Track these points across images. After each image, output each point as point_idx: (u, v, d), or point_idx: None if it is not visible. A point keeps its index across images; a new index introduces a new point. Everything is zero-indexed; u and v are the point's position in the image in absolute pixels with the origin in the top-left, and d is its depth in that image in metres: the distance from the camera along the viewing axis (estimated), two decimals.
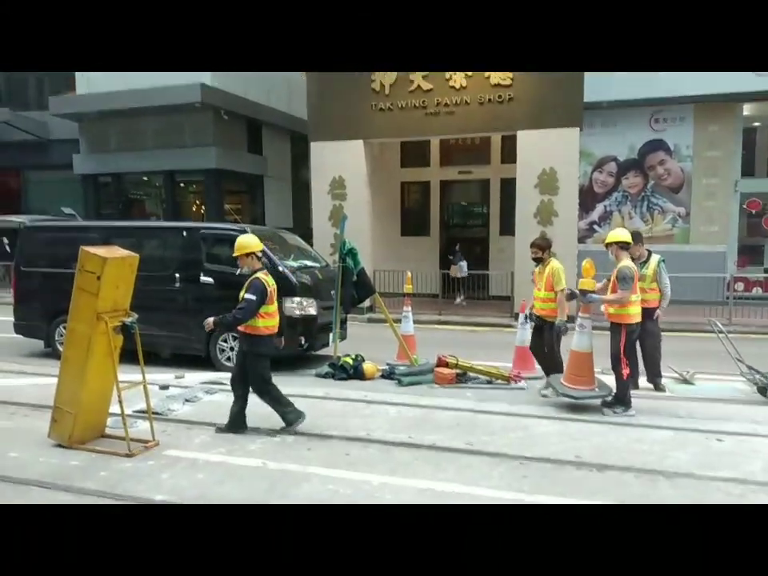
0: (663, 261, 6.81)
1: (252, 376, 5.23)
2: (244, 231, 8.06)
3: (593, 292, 5.90)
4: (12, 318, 9.06)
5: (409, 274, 9.25)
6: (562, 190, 11.93)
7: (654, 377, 6.85)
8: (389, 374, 7.42)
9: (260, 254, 5.31)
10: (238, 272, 5.42)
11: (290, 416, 5.25)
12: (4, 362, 8.26)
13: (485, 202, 15.78)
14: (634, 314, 5.79)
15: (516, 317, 7.20)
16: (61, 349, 5.91)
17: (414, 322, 8.42)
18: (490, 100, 12.17)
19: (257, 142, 18.23)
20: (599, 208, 14.88)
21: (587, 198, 14.67)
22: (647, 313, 6.45)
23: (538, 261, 6.68)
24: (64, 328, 5.58)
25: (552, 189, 11.96)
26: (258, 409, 5.89)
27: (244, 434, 5.26)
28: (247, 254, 5.22)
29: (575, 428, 5.45)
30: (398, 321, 8.29)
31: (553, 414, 5.87)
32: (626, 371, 5.79)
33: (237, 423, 5.30)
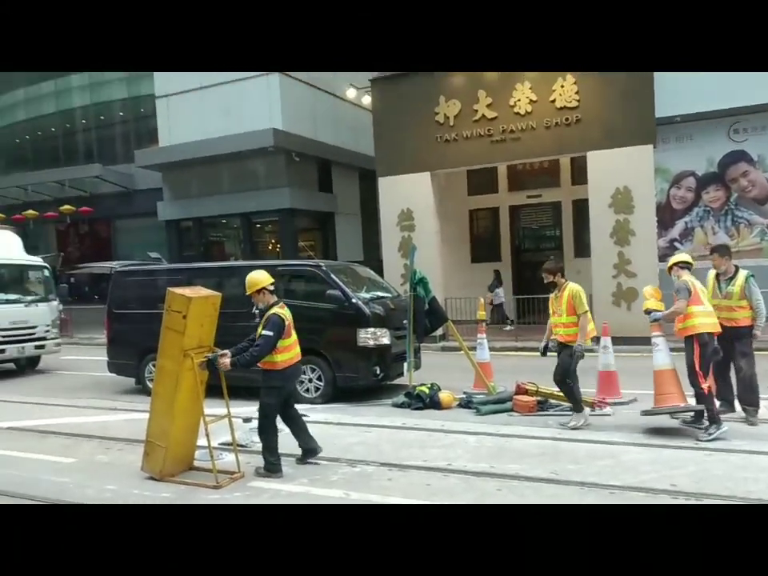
0: (752, 276, 6.37)
1: (259, 407, 5.22)
2: (319, 266, 8.31)
3: (657, 311, 5.99)
4: (106, 358, 9.64)
5: (482, 300, 9.15)
6: (638, 208, 11.55)
7: (749, 404, 6.13)
8: (466, 403, 7.31)
9: (271, 288, 5.26)
10: (254, 309, 5.41)
11: (270, 466, 5.12)
12: (100, 400, 8.77)
13: (557, 225, 15.48)
14: (700, 324, 5.66)
15: (597, 341, 6.95)
16: (150, 385, 6.22)
17: (490, 348, 8.30)
18: (557, 123, 12.04)
19: (327, 180, 18.81)
20: (679, 225, 14.23)
21: (665, 215, 14.08)
22: (737, 333, 6.06)
23: (552, 286, 6.49)
24: (153, 365, 5.87)
25: (627, 208, 11.60)
26: (337, 441, 5.96)
27: (319, 462, 5.31)
28: (258, 291, 5.20)
29: (668, 455, 5.16)
30: (473, 348, 8.19)
31: (643, 441, 5.59)
32: (704, 385, 5.57)
33: (307, 452, 5.37)
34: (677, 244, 14.26)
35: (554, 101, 12.00)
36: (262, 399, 5.20)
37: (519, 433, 6.03)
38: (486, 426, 6.36)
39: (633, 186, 11.53)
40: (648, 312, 6.04)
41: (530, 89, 12.17)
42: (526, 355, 11.51)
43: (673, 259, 6.20)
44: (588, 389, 7.30)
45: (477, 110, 12.67)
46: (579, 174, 13.56)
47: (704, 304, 5.77)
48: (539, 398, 6.97)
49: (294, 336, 5.28)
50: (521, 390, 7.02)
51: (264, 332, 4.99)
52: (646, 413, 5.95)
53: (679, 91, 12.43)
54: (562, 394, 6.97)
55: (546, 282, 6.57)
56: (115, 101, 22.38)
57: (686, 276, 5.90)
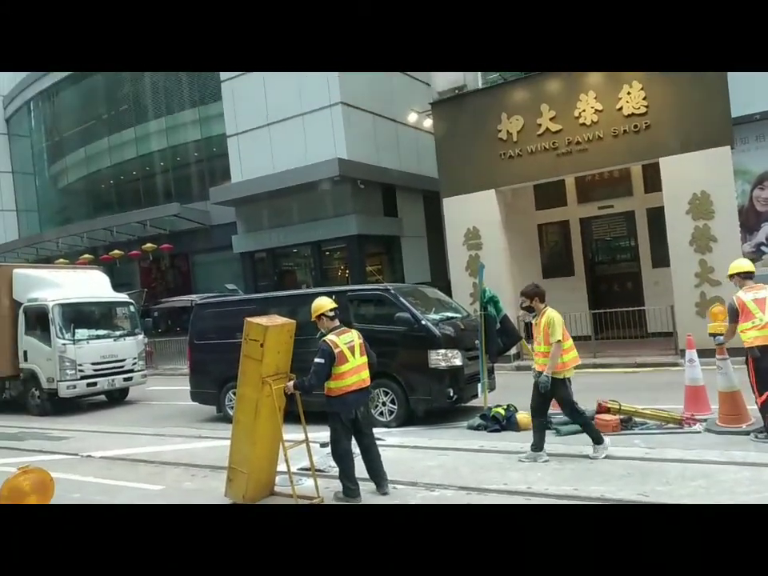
0: None
1: (330, 433, 5.26)
2: (387, 290, 8.37)
3: (720, 335, 6.22)
4: (189, 387, 10.04)
5: None
6: (719, 213, 10.97)
7: None
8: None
9: (331, 314, 5.33)
10: (318, 335, 5.45)
11: (347, 491, 5.14)
12: (184, 428, 9.13)
13: (631, 235, 14.93)
14: (750, 339, 5.71)
15: (682, 353, 6.63)
16: (231, 413, 6.42)
17: None
18: (625, 131, 11.70)
19: (392, 204, 19.04)
20: (765, 228, 13.43)
21: (749, 219, 13.32)
22: None
23: (529, 311, 6.12)
24: (233, 393, 6.07)
25: (707, 213, 11.05)
26: (414, 464, 5.92)
27: (397, 487, 5.28)
28: (318, 317, 5.31)
29: None
30: None
31: (738, 460, 5.23)
32: (760, 399, 5.62)
33: (373, 477, 5.34)
34: (764, 248, 13.44)
35: (620, 108, 11.68)
36: (329, 425, 5.26)
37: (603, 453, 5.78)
38: (566, 447, 6.14)
39: (711, 191, 10.98)
40: (712, 336, 6.33)
41: (595, 98, 11.91)
42: (605, 372, 11.09)
43: (731, 269, 6.18)
44: (675, 405, 6.94)
45: (540, 124, 12.51)
46: (652, 181, 13.07)
47: (755, 317, 5.70)
48: (622, 417, 6.68)
49: (354, 362, 5.18)
50: (602, 409, 6.75)
51: (315, 359, 5.07)
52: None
53: (756, 88, 11.84)
54: (647, 411, 6.67)
55: (522, 306, 6.29)
56: (189, 142, 23.62)
57: (742, 290, 5.91)
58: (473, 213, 13.36)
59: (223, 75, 18.45)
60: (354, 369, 5.19)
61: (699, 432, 6.26)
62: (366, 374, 5.28)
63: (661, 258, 13.05)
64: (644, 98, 11.48)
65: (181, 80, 23.24)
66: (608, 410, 6.71)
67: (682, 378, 7.07)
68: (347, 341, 5.21)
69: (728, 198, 11.04)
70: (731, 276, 6.16)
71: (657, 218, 12.78)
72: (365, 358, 5.30)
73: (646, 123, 11.51)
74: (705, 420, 6.49)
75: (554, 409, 7.61)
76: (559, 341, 5.67)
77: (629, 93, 11.58)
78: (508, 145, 12.92)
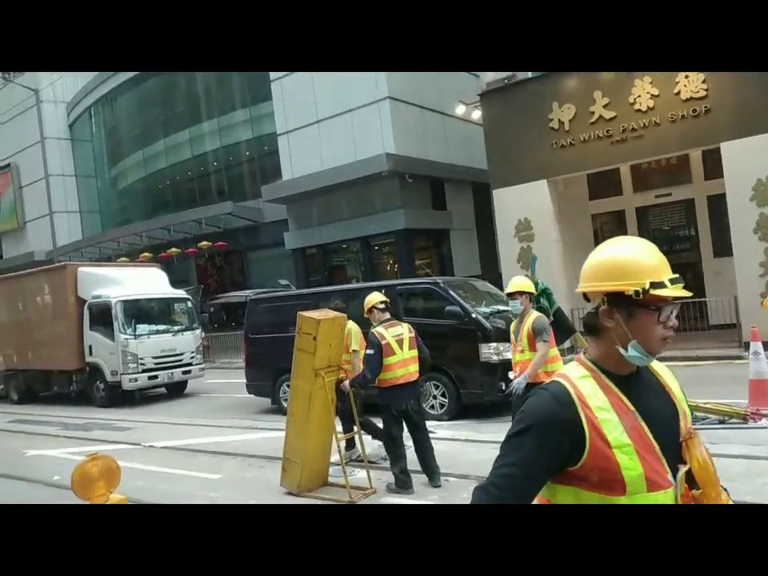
0: None
1: (383, 427, 5.31)
2: (436, 283, 8.36)
3: None
4: (244, 380, 10.30)
5: None
6: None
7: None
8: None
9: (381, 306, 5.42)
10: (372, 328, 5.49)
11: (400, 483, 5.16)
12: (241, 419, 9.38)
13: (691, 224, 14.37)
14: None
15: (746, 346, 6.34)
16: (285, 405, 6.56)
17: None
18: (683, 116, 11.27)
19: (440, 198, 18.94)
20: None
21: None
22: None
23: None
24: (287, 386, 6.20)
25: None
26: (465, 457, 5.91)
27: (449, 479, 5.28)
28: (369, 310, 5.45)
29: None
30: None
31: None
32: None
33: (425, 470, 5.36)
34: None
35: (678, 93, 11.25)
36: (381, 417, 5.33)
37: None
38: None
39: None
40: None
41: (650, 83, 11.51)
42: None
43: None
44: (739, 399, 6.67)
45: (593, 112, 12.19)
46: (713, 167, 12.54)
47: None
48: None
49: (402, 355, 5.21)
50: None
51: (366, 351, 5.22)
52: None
53: None
54: (709, 405, 6.44)
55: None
56: (241, 142, 24.14)
57: None
58: (524, 204, 13.15)
59: (273, 75, 18.74)
60: (402, 362, 5.22)
61: (765, 427, 6.00)
62: (414, 368, 5.30)
63: (723, 248, 12.53)
64: (703, 81, 11.02)
65: (232, 81, 23.75)
66: None
67: (745, 372, 6.78)
68: (396, 333, 5.26)
69: None
70: None
71: (718, 205, 12.27)
72: (414, 352, 5.32)
73: (705, 107, 11.05)
74: None
75: None
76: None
77: (687, 76, 11.13)
78: (560, 134, 12.65)
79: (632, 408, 1.32)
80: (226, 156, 24.90)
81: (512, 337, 5.15)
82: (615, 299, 1.33)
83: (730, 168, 10.96)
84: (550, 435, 1.27)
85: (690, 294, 1.40)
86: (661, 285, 1.30)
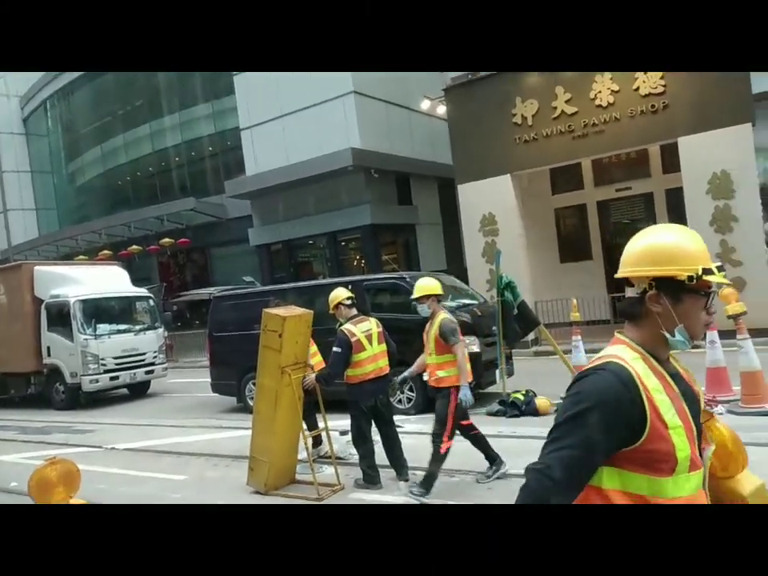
0: None
1: (351, 423, 5.32)
2: (403, 278, 8.36)
3: (743, 313, 6.16)
4: (209, 379, 10.15)
5: (574, 301, 8.86)
6: (740, 192, 10.78)
7: None
8: None
9: (348, 303, 5.42)
10: (337, 325, 5.50)
11: (368, 478, 5.18)
12: (206, 419, 9.24)
13: (650, 217, 14.72)
14: None
15: (703, 336, 6.54)
16: (251, 403, 6.49)
17: (586, 351, 8.00)
18: (642, 111, 11.52)
19: (406, 193, 18.98)
20: None
21: None
22: None
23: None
24: (252, 384, 6.12)
25: (727, 193, 10.85)
26: None
27: (416, 473, 5.30)
28: (336, 306, 5.40)
29: None
30: (568, 351, 7.92)
31: (762, 440, 5.14)
32: None
33: (393, 464, 5.39)
34: None
35: (637, 89, 11.50)
36: (350, 412, 5.32)
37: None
38: None
39: (732, 170, 10.78)
40: (731, 318, 6.24)
41: (611, 79, 11.73)
42: None
43: None
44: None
45: (555, 107, 12.36)
46: (671, 161, 12.87)
47: None
48: None
49: (372, 350, 5.23)
50: None
51: (333, 349, 5.16)
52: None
53: None
54: None
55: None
56: (204, 137, 23.74)
57: None
58: (488, 199, 13.27)
59: None
60: (372, 357, 5.23)
61: (721, 414, 6.18)
62: (384, 362, 5.31)
63: None
64: (661, 77, 11.28)
65: (194, 75, 23.32)
66: None
67: (703, 361, 6.98)
68: (364, 329, 5.26)
69: (749, 176, 10.83)
70: None
71: (676, 199, 12.59)
72: (383, 347, 5.33)
73: (663, 103, 11.31)
74: (727, 402, 6.42)
75: None
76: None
77: (645, 72, 11.39)
78: (523, 129, 12.79)
79: (677, 390, 1.35)
80: (188, 151, 24.46)
81: (425, 339, 5.01)
82: (663, 284, 1.35)
83: (687, 162, 11.26)
84: (614, 415, 1.26)
85: (730, 283, 1.47)
86: (710, 271, 1.33)
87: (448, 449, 4.70)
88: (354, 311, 5.44)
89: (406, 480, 5.21)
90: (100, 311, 12.26)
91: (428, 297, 4.92)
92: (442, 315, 4.88)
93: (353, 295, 5.54)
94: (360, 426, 5.26)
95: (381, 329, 5.41)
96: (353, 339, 5.15)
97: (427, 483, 4.73)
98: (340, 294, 5.48)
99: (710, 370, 6.79)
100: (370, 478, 5.16)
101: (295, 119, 17.54)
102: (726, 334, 7.12)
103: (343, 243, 19.15)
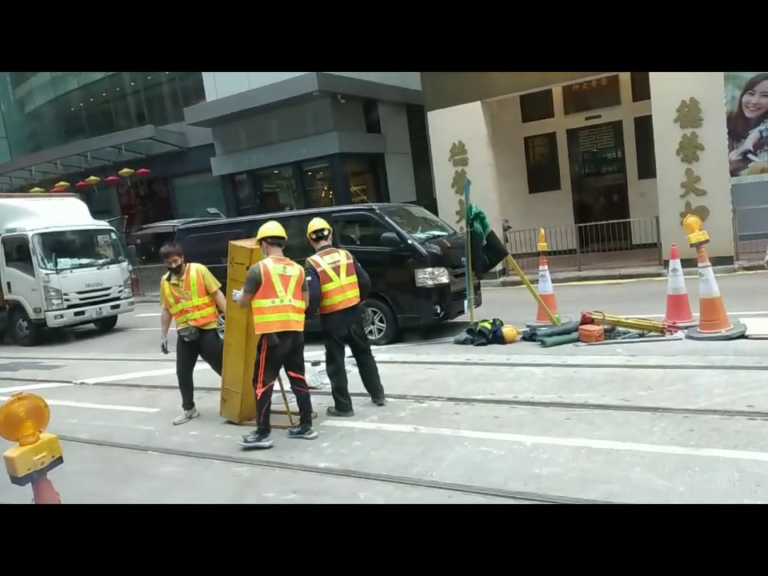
0: None
1: (325, 353, 5.43)
2: (372, 210, 8.27)
3: (706, 241, 6.37)
4: None
5: (542, 231, 8.91)
6: (707, 120, 10.79)
7: None
8: (530, 336, 7.24)
9: (314, 237, 5.37)
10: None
11: (340, 406, 5.30)
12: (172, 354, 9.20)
13: (618, 146, 14.73)
14: None
15: (666, 264, 6.71)
16: (221, 336, 6.46)
17: (552, 280, 8.14)
18: None
19: (374, 120, 18.49)
20: (753, 134, 13.25)
21: (737, 126, 13.12)
22: None
23: (177, 271, 5.75)
24: (222, 317, 6.07)
25: (695, 121, 10.86)
26: (403, 378, 6.08)
27: (387, 400, 5.43)
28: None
29: (744, 376, 4.98)
30: (535, 281, 8.05)
31: (717, 364, 5.41)
32: None
33: (370, 390, 5.54)
34: (750, 156, 13.34)
35: None
36: (324, 343, 5.36)
37: (587, 362, 5.95)
38: (552, 358, 6.31)
39: (700, 97, 10.75)
40: (693, 246, 6.40)
41: None
42: (590, 284, 11.25)
43: None
44: (659, 314, 7.09)
45: None
46: (641, 89, 12.75)
47: None
48: (606, 327, 6.83)
49: (339, 282, 5.21)
50: (586, 320, 6.89)
51: (305, 278, 4.97)
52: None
53: None
54: (630, 320, 6.81)
55: (173, 266, 5.77)
56: None
57: None
58: (458, 126, 13.03)
59: None
60: (340, 288, 5.24)
61: (680, 339, 6.43)
62: (353, 293, 5.32)
63: (647, 169, 12.96)
64: None
65: None
66: (592, 321, 6.84)
67: (665, 288, 7.18)
68: (332, 260, 5.25)
69: (717, 104, 10.83)
70: None
71: (645, 127, 12.57)
72: (353, 278, 5.32)
73: None
74: (686, 328, 6.66)
75: (540, 321, 7.76)
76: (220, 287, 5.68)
77: None
78: None
79: None
80: (143, 76, 23.19)
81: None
82: None
83: (656, 89, 11.16)
84: None
85: None
86: None
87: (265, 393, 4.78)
88: (323, 243, 5.39)
89: (382, 404, 5.36)
90: (60, 245, 11.89)
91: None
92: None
93: (322, 227, 5.45)
94: (333, 356, 5.32)
95: (351, 260, 5.38)
96: (318, 270, 5.15)
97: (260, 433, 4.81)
98: (312, 225, 5.42)
99: (671, 297, 7.00)
100: (343, 406, 5.28)
101: None
102: (689, 263, 7.31)
103: (310, 173, 18.74)
